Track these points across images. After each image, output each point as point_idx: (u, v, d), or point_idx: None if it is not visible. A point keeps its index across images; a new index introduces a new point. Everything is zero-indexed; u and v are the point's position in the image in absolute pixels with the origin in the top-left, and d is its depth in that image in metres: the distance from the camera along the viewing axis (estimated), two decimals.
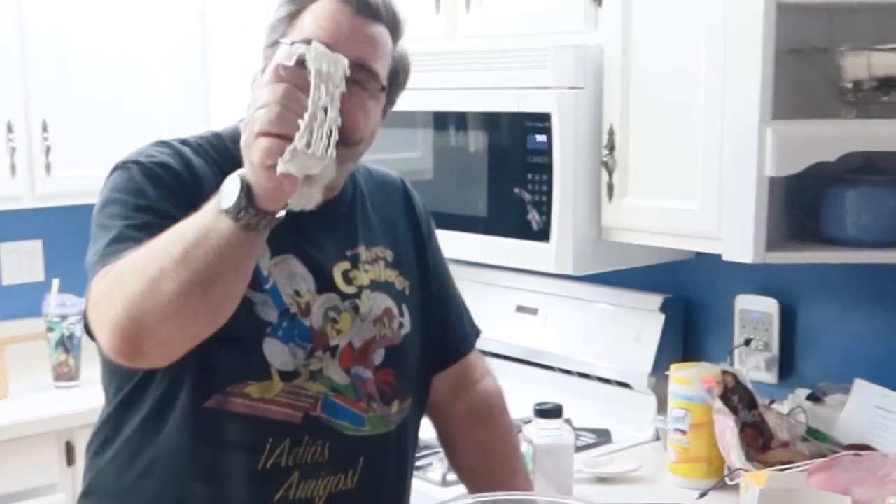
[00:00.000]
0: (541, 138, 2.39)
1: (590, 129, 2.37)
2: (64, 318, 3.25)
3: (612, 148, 2.37)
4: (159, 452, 1.61)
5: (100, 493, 1.70)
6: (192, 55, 3.59)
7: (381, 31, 1.63)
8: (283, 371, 1.61)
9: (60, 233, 3.65)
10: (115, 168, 1.62)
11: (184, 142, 1.67)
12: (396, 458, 1.76)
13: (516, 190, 2.46)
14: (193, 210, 1.42)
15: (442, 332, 1.86)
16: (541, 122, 2.39)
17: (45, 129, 3.26)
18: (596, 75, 2.37)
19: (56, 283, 3.28)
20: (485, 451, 1.85)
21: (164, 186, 1.57)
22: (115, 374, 1.66)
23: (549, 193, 2.39)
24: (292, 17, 1.62)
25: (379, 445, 1.71)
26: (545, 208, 2.40)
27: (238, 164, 1.43)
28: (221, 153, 1.66)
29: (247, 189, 1.34)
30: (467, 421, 1.86)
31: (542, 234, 2.42)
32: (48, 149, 3.27)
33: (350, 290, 1.70)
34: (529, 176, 2.43)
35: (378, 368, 1.71)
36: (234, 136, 1.66)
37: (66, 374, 3.28)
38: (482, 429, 1.86)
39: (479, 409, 1.88)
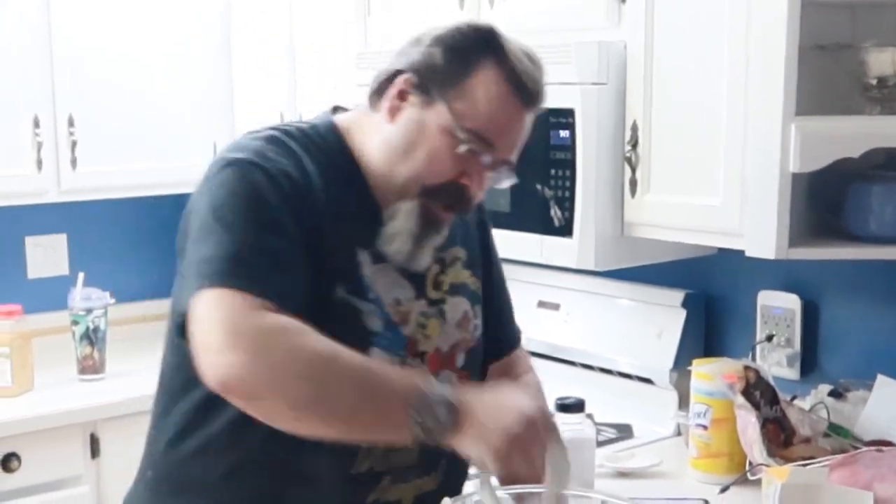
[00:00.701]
0: (564, 134, 2.40)
1: (613, 124, 2.38)
2: (89, 311, 3.28)
3: (634, 144, 2.37)
4: (251, 453, 1.59)
5: (180, 486, 1.68)
6: (216, 49, 3.61)
7: (532, 117, 1.68)
8: None
9: (85, 227, 3.69)
10: (229, 163, 1.58)
11: (288, 134, 1.65)
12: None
13: (539, 185, 2.46)
14: (305, 217, 1.52)
15: (497, 327, 1.87)
16: (564, 117, 2.39)
17: (71, 124, 3.29)
18: (619, 71, 2.38)
19: (81, 276, 3.31)
20: None
21: (284, 199, 1.55)
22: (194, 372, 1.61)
23: (571, 189, 2.40)
24: (461, 75, 1.61)
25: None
26: (568, 204, 2.41)
27: (338, 160, 1.61)
28: (323, 150, 1.65)
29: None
30: None
31: (565, 230, 2.42)
32: (74, 144, 3.30)
33: (437, 295, 1.73)
34: (552, 171, 2.44)
35: (460, 370, 1.74)
36: (330, 126, 1.69)
37: (90, 367, 3.30)
38: None
39: None
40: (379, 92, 1.67)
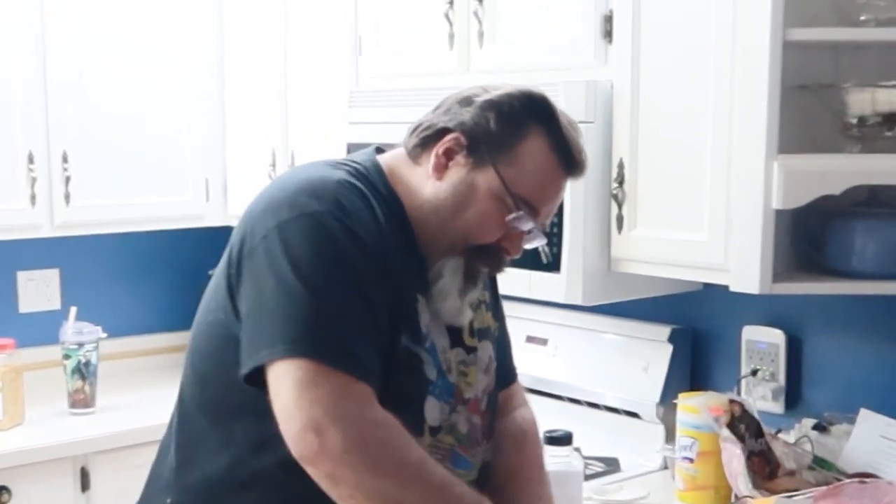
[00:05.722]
0: None
1: (600, 162, 2.42)
2: (80, 345, 3.29)
3: (621, 181, 2.41)
4: (304, 494, 1.54)
5: None
6: (210, 87, 3.65)
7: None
8: (433, 426, 1.65)
9: (77, 262, 3.71)
10: (308, 214, 1.53)
11: (355, 175, 1.64)
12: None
13: None
14: (381, 268, 1.54)
15: (501, 362, 1.88)
16: None
17: (65, 159, 3.32)
18: (606, 110, 2.42)
19: (73, 310, 3.33)
20: (513, 473, 1.84)
21: (365, 254, 1.55)
22: (247, 414, 1.60)
23: (559, 225, 2.44)
24: (512, 142, 1.63)
25: (478, 486, 1.74)
26: (556, 240, 2.44)
27: (393, 207, 1.61)
28: (381, 196, 1.65)
29: None
30: (501, 443, 1.85)
31: (553, 265, 2.45)
32: (67, 179, 3.32)
33: (472, 343, 1.75)
34: None
35: (482, 413, 1.76)
36: (380, 170, 1.68)
37: (81, 401, 3.31)
38: (514, 452, 1.86)
39: (514, 434, 1.89)
40: (422, 145, 1.68)
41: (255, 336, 1.52)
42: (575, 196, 2.41)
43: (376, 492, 1.47)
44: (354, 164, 1.68)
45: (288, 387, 1.47)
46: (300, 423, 1.45)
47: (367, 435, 1.47)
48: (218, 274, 1.67)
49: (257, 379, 1.51)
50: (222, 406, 1.64)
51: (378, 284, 1.56)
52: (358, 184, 1.62)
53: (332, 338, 1.49)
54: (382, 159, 1.72)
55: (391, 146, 1.77)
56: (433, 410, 1.65)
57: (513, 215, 1.64)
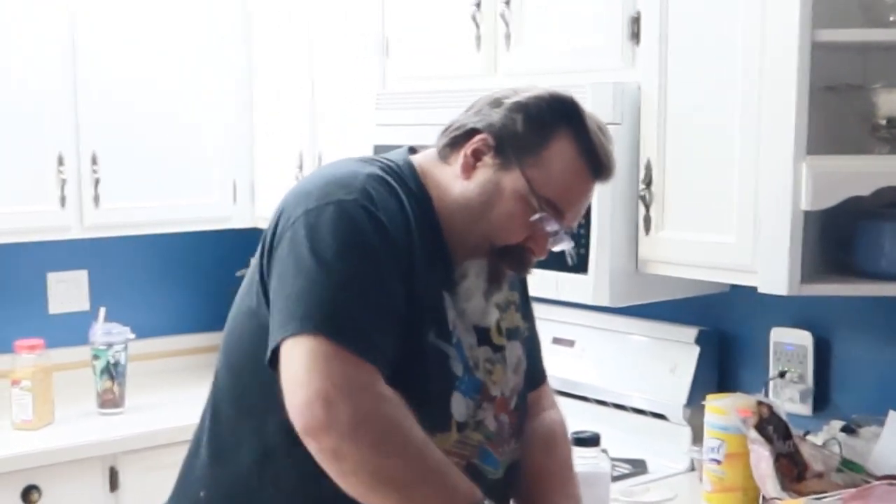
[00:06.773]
0: None
1: (627, 163, 2.42)
2: (110, 346, 3.32)
3: (648, 182, 2.41)
4: (336, 488, 1.54)
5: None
6: (237, 88, 3.68)
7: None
8: (459, 422, 1.66)
9: (106, 263, 3.73)
10: (336, 202, 1.56)
11: (386, 170, 1.66)
12: (506, 494, 1.80)
13: None
14: (404, 262, 1.56)
15: (530, 363, 1.88)
16: None
17: (94, 161, 3.35)
18: (633, 111, 2.42)
19: (103, 311, 3.36)
20: (542, 474, 1.85)
21: (388, 246, 1.56)
22: (280, 406, 1.54)
23: (586, 227, 2.44)
24: (539, 144, 1.65)
25: (504, 485, 1.76)
26: (583, 241, 2.45)
27: (423, 205, 1.63)
28: (412, 193, 1.66)
29: None
30: (531, 444, 1.86)
31: (580, 267, 2.46)
32: (97, 181, 3.35)
33: (500, 341, 1.76)
34: None
35: (511, 412, 1.77)
36: (412, 168, 1.70)
37: (110, 401, 3.34)
38: (543, 453, 1.86)
39: (543, 435, 1.89)
40: (452, 145, 1.69)
41: (274, 319, 1.54)
42: (602, 197, 2.41)
43: (379, 469, 1.47)
44: (387, 162, 1.70)
45: (298, 358, 1.48)
46: (309, 393, 1.45)
47: (377, 412, 1.47)
48: (252, 265, 1.69)
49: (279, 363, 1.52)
50: (255, 398, 1.65)
51: (400, 275, 1.57)
52: (388, 178, 1.64)
53: (346, 317, 1.50)
54: (415, 158, 1.74)
55: (422, 147, 1.78)
56: (459, 406, 1.66)
57: (537, 216, 1.65)
